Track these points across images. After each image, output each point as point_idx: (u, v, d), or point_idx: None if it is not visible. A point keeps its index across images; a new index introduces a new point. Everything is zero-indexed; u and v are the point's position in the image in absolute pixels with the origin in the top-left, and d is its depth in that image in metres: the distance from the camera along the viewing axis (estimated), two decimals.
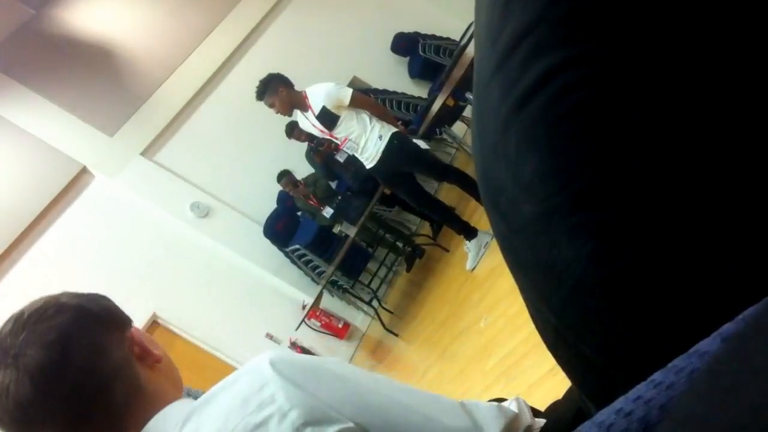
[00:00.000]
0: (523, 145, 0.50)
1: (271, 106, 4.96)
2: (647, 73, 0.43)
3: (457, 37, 7.98)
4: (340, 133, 4.93)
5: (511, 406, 1.03)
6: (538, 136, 0.49)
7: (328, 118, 4.85)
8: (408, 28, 8.80)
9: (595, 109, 0.45)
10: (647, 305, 0.45)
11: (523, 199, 0.52)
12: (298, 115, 5.06)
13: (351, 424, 0.88)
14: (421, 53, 8.49)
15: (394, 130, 4.88)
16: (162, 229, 7.57)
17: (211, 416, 0.96)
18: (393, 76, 8.74)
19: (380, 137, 4.83)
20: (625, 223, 0.45)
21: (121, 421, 1.01)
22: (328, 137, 5.13)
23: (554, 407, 1.07)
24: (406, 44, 8.72)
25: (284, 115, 5.01)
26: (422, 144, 5.03)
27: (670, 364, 0.32)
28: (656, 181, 0.44)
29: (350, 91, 4.90)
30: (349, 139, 4.91)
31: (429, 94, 7.81)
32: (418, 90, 8.56)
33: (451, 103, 6.07)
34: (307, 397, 0.89)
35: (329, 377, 0.96)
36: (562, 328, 0.54)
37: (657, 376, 0.32)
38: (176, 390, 1.13)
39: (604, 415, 0.37)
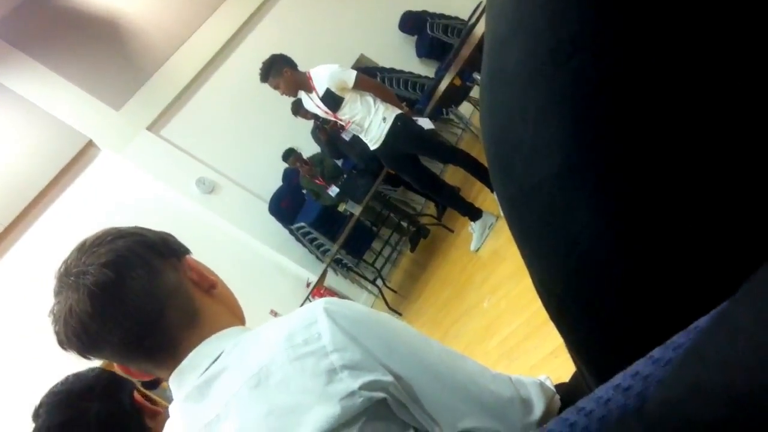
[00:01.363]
0: (550, 105, 0.48)
1: (275, 87, 4.95)
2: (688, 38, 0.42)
3: (465, 16, 7.93)
4: (344, 114, 4.92)
5: (547, 382, 1.07)
6: (568, 95, 0.47)
7: (332, 100, 4.85)
8: (416, 6, 8.75)
9: (634, 72, 0.43)
10: (664, 277, 0.44)
11: (544, 154, 0.50)
12: (302, 96, 5.05)
13: (389, 377, 0.91)
14: (429, 32, 8.44)
15: (399, 112, 4.87)
16: (167, 205, 7.59)
17: (258, 344, 1.00)
18: (400, 54, 8.71)
19: (384, 119, 4.82)
20: (651, 192, 0.44)
21: (175, 342, 1.05)
22: (333, 119, 5.13)
23: (564, 388, 1.09)
24: (413, 23, 8.67)
25: (289, 96, 5.01)
26: (427, 123, 5.02)
27: (669, 341, 0.33)
28: (688, 154, 0.42)
29: (354, 73, 4.89)
30: (353, 122, 4.91)
31: (436, 74, 7.78)
32: (425, 69, 8.53)
33: (458, 82, 6.05)
34: (351, 344, 0.92)
35: (381, 330, 0.99)
36: (567, 299, 0.53)
37: (656, 352, 0.33)
38: (234, 317, 1.18)
39: (603, 390, 0.37)
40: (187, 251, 1.18)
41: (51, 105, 7.36)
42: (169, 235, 1.19)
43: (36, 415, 1.51)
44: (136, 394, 1.48)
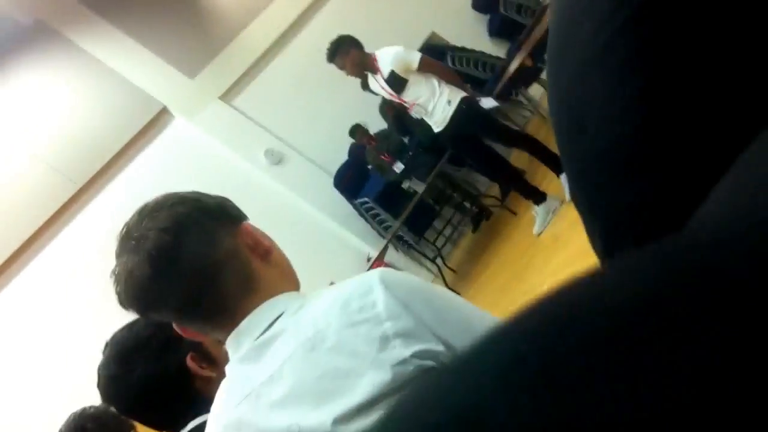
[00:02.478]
0: (636, 59, 0.45)
1: (341, 68, 4.99)
2: None
3: None
4: (408, 96, 4.93)
5: None
6: (661, 48, 0.44)
7: (397, 82, 4.86)
8: None
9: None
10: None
11: (631, 109, 0.46)
12: (369, 77, 5.07)
13: (441, 347, 0.94)
14: (502, 11, 8.32)
15: (463, 95, 4.84)
16: (235, 173, 7.73)
17: (314, 310, 1.04)
18: (472, 33, 8.61)
19: (449, 102, 4.81)
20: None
21: (231, 305, 1.10)
22: (397, 101, 5.13)
23: None
24: (486, 1, 8.56)
25: (355, 76, 5.04)
26: (490, 102, 4.98)
27: None
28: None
29: (419, 55, 4.88)
30: (418, 104, 4.91)
31: (507, 55, 7.68)
32: (496, 49, 8.42)
33: (529, 63, 5.96)
34: (405, 312, 0.96)
35: (435, 300, 1.02)
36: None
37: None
38: (289, 283, 1.22)
39: None
40: (244, 217, 1.22)
41: (127, 70, 7.56)
42: (227, 200, 1.22)
43: (103, 352, 1.58)
44: (189, 360, 1.52)
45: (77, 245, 7.01)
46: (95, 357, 1.60)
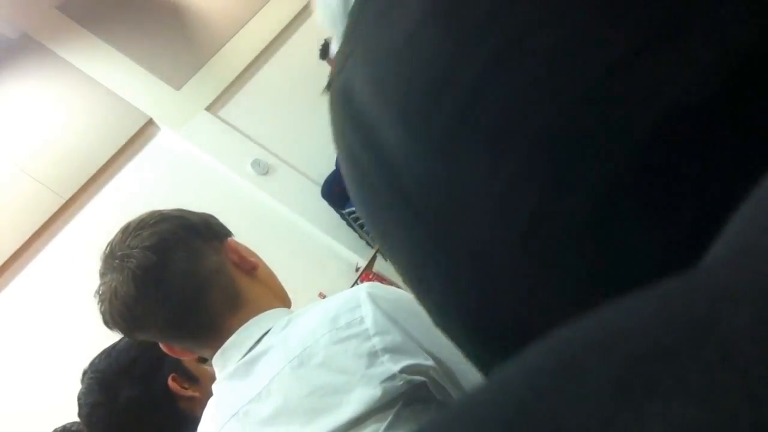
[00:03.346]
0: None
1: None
2: None
3: None
4: None
5: None
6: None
7: None
8: None
9: None
10: None
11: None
12: None
13: (430, 362, 0.93)
14: None
15: None
16: (222, 184, 7.70)
17: (301, 326, 1.03)
18: None
19: None
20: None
21: (218, 323, 1.09)
22: None
23: None
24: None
25: None
26: None
27: None
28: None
29: None
30: None
31: None
32: None
33: None
34: (393, 328, 0.94)
35: (424, 313, 0.99)
36: None
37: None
38: (277, 299, 1.20)
39: None
40: (228, 233, 1.20)
41: (113, 83, 7.53)
42: (212, 216, 1.21)
43: (82, 382, 1.56)
44: (171, 381, 1.50)
45: (65, 259, 6.96)
46: (78, 376, 1.57)
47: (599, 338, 0.24)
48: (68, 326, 6.41)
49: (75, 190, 7.20)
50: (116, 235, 1.11)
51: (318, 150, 8.05)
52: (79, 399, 1.54)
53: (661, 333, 0.22)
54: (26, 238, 6.94)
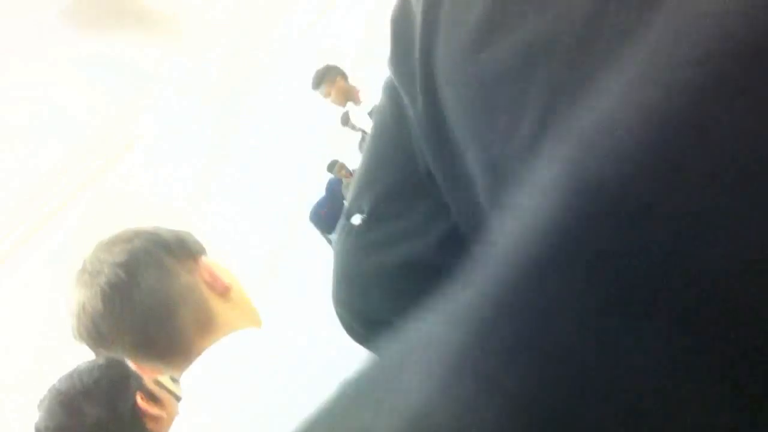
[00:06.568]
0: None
1: (326, 95, 5.02)
2: None
3: None
4: None
5: None
6: None
7: None
8: None
9: None
10: None
11: None
12: (350, 108, 5.11)
13: None
14: None
15: None
16: (209, 204, 7.66)
17: (272, 348, 1.00)
18: None
19: None
20: None
21: (188, 344, 1.06)
22: None
23: None
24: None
25: (338, 105, 5.08)
26: None
27: None
28: None
29: None
30: None
31: None
32: None
33: None
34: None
35: None
36: None
37: None
38: (250, 321, 1.17)
39: None
40: (203, 251, 1.18)
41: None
42: (187, 234, 1.19)
43: (40, 408, 1.52)
44: (139, 399, 1.48)
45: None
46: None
47: None
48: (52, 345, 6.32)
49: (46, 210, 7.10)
50: (92, 249, 1.10)
51: (307, 175, 8.02)
52: (40, 424, 1.49)
53: None
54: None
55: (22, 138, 6.42)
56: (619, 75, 0.34)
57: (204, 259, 1.16)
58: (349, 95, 4.94)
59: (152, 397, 1.48)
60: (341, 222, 0.63)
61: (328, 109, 5.23)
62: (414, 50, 0.49)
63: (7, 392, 5.42)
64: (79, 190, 7.13)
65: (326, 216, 7.53)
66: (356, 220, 0.60)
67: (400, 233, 0.58)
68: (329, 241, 7.47)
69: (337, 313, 0.67)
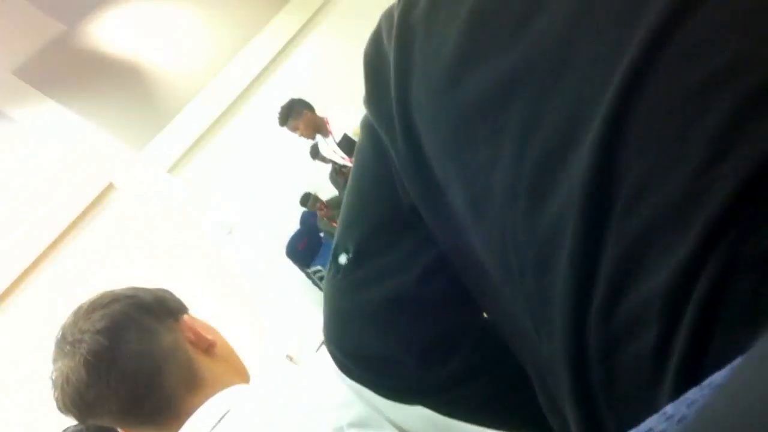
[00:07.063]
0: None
1: (294, 129, 5.03)
2: None
3: None
4: None
5: None
6: None
7: (350, 145, 4.91)
8: None
9: None
10: None
11: None
12: (319, 140, 5.12)
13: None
14: None
15: None
16: (185, 247, 7.61)
17: (262, 402, 0.98)
18: None
19: None
20: None
21: (176, 404, 1.04)
22: (350, 164, 5.16)
23: None
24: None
25: (308, 138, 5.09)
26: None
27: (682, 397, 0.32)
28: None
29: None
30: None
31: None
32: None
33: None
34: (357, 401, 0.91)
35: None
36: None
37: (669, 408, 0.32)
38: (236, 375, 1.16)
39: None
40: (185, 309, 1.17)
41: (70, 146, 7.42)
42: (167, 292, 1.18)
43: None
44: None
45: (20, 329, 6.76)
46: None
47: None
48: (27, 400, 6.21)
49: (34, 257, 7.03)
50: (68, 318, 1.08)
51: (281, 209, 8.00)
52: None
53: None
54: None
55: None
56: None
57: (186, 317, 1.14)
58: (317, 128, 4.95)
59: None
60: (330, 262, 0.66)
61: (297, 141, 5.22)
62: (390, 90, 0.50)
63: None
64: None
65: (303, 250, 7.50)
66: (343, 259, 0.62)
67: (385, 270, 0.61)
68: (308, 275, 7.43)
69: (329, 351, 0.69)
